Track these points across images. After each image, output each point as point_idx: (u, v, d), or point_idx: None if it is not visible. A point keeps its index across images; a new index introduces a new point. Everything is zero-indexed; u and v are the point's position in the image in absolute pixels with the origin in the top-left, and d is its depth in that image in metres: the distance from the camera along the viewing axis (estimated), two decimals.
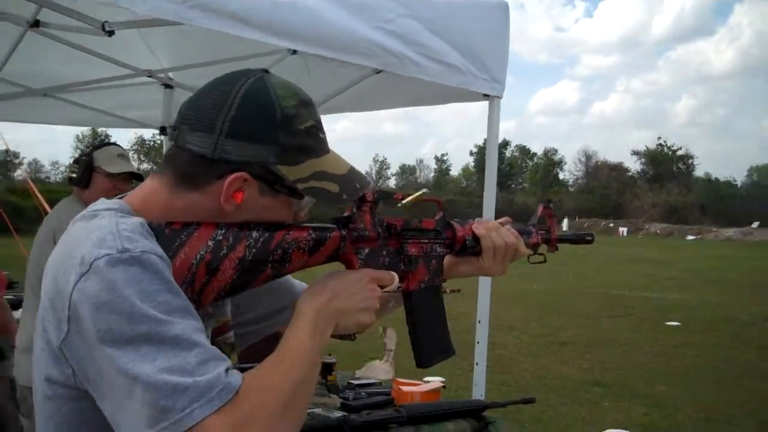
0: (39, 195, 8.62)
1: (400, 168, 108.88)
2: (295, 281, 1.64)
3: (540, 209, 1.95)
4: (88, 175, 3.72)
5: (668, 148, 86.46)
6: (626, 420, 6.94)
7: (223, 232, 1.21)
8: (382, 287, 1.39)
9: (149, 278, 1.07)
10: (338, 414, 2.86)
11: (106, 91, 4.93)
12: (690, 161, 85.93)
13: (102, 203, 1.23)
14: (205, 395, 1.02)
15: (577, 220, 62.17)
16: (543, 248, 1.92)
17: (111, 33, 2.68)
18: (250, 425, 1.05)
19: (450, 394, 6.28)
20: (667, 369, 9.15)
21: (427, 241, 1.55)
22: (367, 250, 1.39)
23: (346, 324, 1.29)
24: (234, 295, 1.28)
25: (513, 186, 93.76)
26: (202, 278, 1.18)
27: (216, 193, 1.24)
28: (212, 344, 1.39)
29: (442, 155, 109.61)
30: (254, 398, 1.07)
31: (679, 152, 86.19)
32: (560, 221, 59.91)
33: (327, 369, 3.56)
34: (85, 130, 53.06)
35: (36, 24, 3.35)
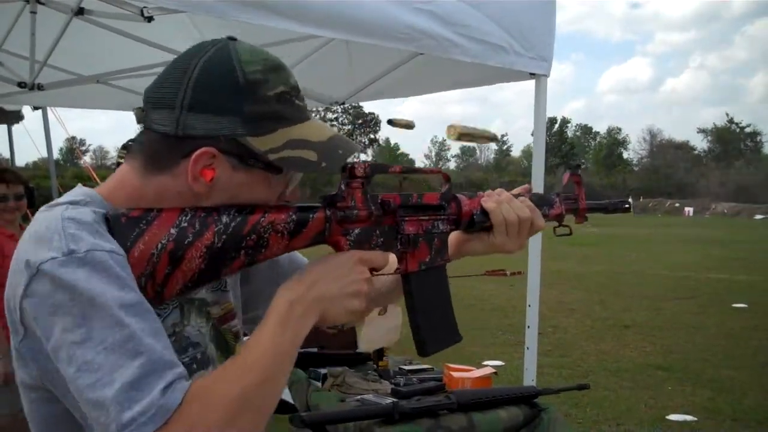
0: (99, 182, 8.85)
1: (460, 149, 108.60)
2: None
3: (566, 176, 1.75)
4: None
5: (736, 125, 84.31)
6: (690, 405, 6.76)
7: (188, 218, 1.13)
8: (376, 270, 1.29)
9: (97, 278, 1.02)
10: (389, 400, 2.83)
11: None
12: (758, 138, 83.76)
13: (69, 194, 1.18)
14: (136, 420, 0.97)
15: (641, 200, 61.17)
16: (570, 219, 1.74)
17: (150, 19, 2.69)
18: None
19: (512, 380, 6.25)
20: (733, 352, 8.88)
21: (427, 218, 1.41)
22: (357, 231, 1.28)
23: (332, 311, 1.19)
24: (204, 284, 1.21)
25: None
26: (164, 269, 1.11)
27: (184, 174, 1.16)
28: (217, 334, 1.34)
29: (502, 136, 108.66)
30: (195, 413, 1.00)
31: (747, 129, 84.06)
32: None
33: (378, 355, 3.54)
34: None
35: (81, 12, 3.36)
